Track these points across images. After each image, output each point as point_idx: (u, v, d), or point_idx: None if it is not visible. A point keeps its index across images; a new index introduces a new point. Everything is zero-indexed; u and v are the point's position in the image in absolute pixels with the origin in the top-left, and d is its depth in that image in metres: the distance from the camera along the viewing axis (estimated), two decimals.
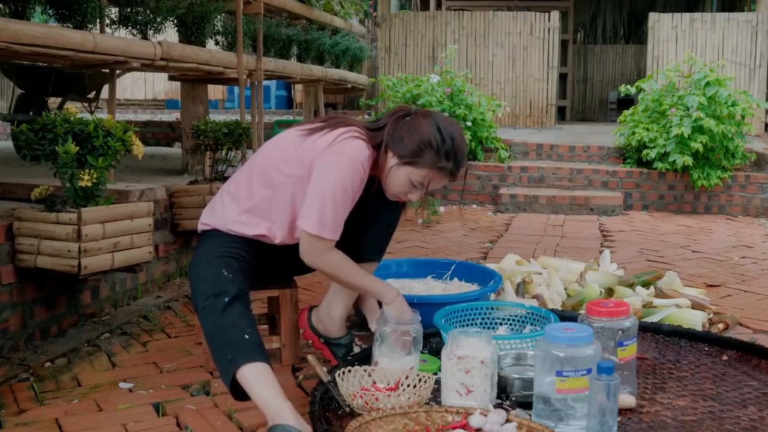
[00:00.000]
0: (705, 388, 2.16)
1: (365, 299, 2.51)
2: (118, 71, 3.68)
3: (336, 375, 2.01)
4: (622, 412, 1.93)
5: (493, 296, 2.94)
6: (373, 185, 2.19)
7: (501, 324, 2.57)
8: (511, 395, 2.06)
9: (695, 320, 2.78)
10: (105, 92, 5.11)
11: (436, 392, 2.06)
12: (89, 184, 2.50)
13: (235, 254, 2.13)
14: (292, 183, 2.14)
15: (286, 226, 2.19)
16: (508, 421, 1.82)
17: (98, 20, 3.26)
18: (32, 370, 2.42)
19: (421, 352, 2.23)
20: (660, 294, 3.11)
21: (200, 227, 2.27)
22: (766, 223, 5.75)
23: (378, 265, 2.43)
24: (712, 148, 5.92)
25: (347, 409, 1.96)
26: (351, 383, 2.01)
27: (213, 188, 3.44)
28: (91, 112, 5.31)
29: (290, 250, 2.27)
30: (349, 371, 2.05)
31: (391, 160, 2.13)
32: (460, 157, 2.14)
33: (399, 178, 2.13)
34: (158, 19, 3.61)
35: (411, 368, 2.10)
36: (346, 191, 2.06)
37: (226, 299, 1.97)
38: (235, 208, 2.20)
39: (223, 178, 3.59)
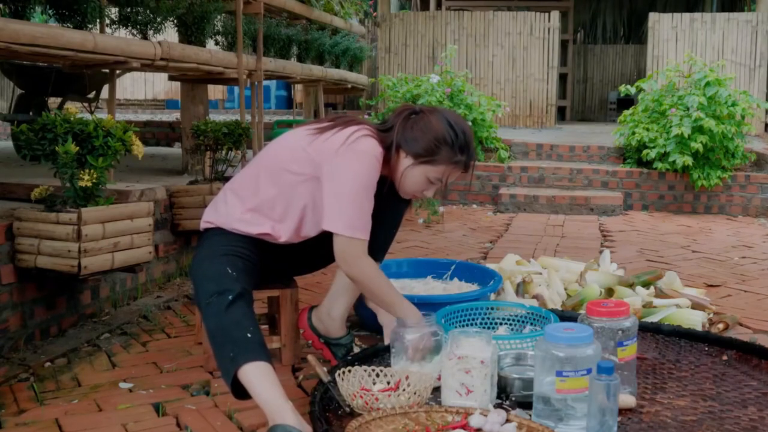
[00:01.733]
0: (705, 388, 2.16)
1: (380, 310, 2.46)
2: (118, 71, 3.68)
3: (336, 375, 2.01)
4: (622, 412, 1.93)
5: (493, 296, 2.94)
6: (384, 186, 2.19)
7: (501, 324, 2.57)
8: (511, 395, 2.06)
9: (695, 320, 2.78)
10: (105, 92, 5.12)
11: (436, 392, 2.06)
12: (89, 184, 2.50)
13: (239, 253, 2.13)
14: (302, 182, 2.14)
15: (293, 226, 2.19)
16: (508, 421, 1.82)
17: (98, 20, 3.26)
18: (32, 370, 2.42)
19: None
20: (660, 294, 3.11)
21: (203, 225, 2.27)
22: (766, 223, 5.75)
23: (379, 266, 2.42)
24: (712, 148, 5.92)
25: (347, 409, 1.96)
26: (351, 383, 2.01)
27: (213, 188, 3.44)
28: (91, 112, 5.31)
29: (294, 249, 2.28)
30: (349, 371, 2.05)
31: (405, 161, 2.15)
32: (472, 149, 2.19)
33: (416, 177, 2.15)
34: (158, 19, 3.61)
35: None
36: (366, 188, 2.08)
37: (230, 297, 1.97)
38: (240, 207, 2.19)
39: (223, 178, 3.60)
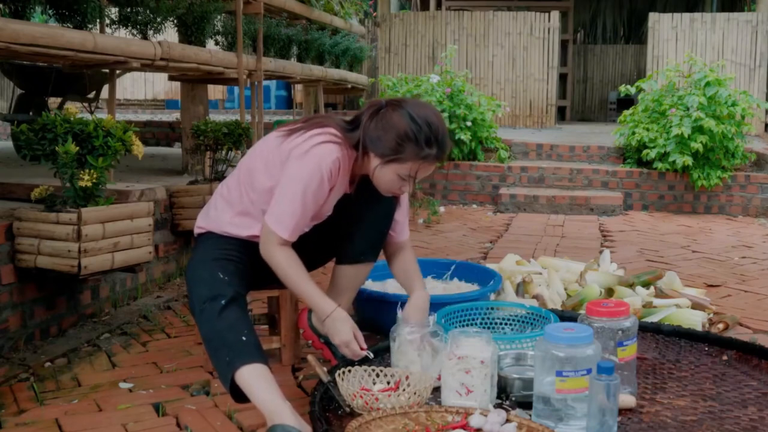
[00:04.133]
0: (705, 388, 2.16)
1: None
2: (118, 71, 3.67)
3: (336, 375, 2.01)
4: (622, 412, 1.93)
5: (493, 296, 2.94)
6: (353, 185, 2.19)
7: (505, 325, 2.57)
8: (511, 395, 2.06)
9: (695, 320, 2.78)
10: (105, 92, 5.11)
11: (436, 392, 2.06)
12: (89, 184, 2.50)
13: (230, 256, 2.13)
14: (275, 186, 2.14)
15: None
16: (508, 421, 1.82)
17: (98, 20, 3.25)
18: (32, 370, 2.42)
19: None
20: (660, 294, 3.11)
21: (196, 230, 2.29)
22: (766, 223, 5.75)
23: (374, 266, 2.40)
24: (712, 148, 5.92)
25: (347, 409, 1.96)
26: (351, 383, 2.01)
27: (213, 188, 3.44)
28: (91, 112, 5.31)
29: None
30: (349, 371, 2.05)
31: (374, 161, 2.11)
32: (441, 139, 2.08)
33: (386, 176, 2.11)
34: (158, 19, 3.61)
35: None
36: (305, 193, 2.06)
37: (223, 302, 1.98)
38: (229, 211, 2.21)
39: (223, 178, 3.59)
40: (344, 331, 2.11)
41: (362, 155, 2.12)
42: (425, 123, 2.05)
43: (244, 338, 1.92)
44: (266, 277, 2.35)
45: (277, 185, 2.10)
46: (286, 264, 2.09)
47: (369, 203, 2.26)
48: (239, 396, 1.90)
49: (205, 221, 2.26)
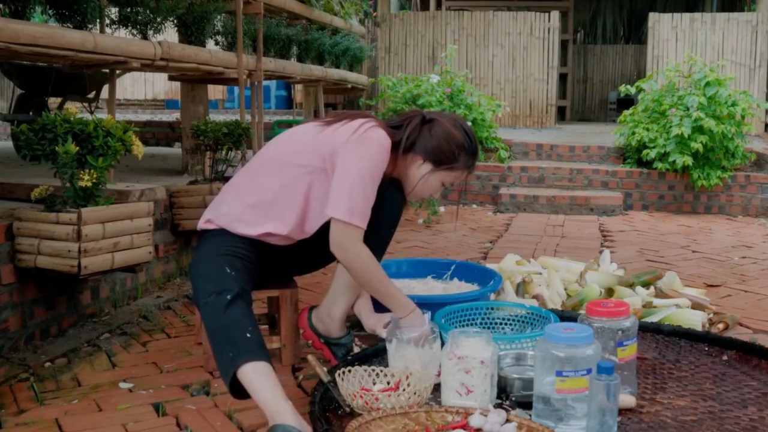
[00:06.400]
0: (705, 388, 2.16)
1: (360, 297, 2.46)
2: (118, 71, 3.67)
3: (336, 375, 2.01)
4: (622, 412, 1.93)
5: (493, 296, 2.94)
6: (382, 184, 2.20)
7: (505, 325, 2.57)
8: (511, 395, 2.06)
9: (695, 320, 2.78)
10: (105, 92, 5.11)
11: (436, 392, 2.06)
12: (89, 184, 2.50)
13: (238, 253, 2.13)
14: (306, 174, 2.15)
15: (295, 220, 2.18)
16: (508, 421, 1.82)
17: (98, 20, 3.25)
18: (32, 370, 2.42)
19: None
20: (660, 294, 3.11)
21: (203, 225, 2.25)
22: (766, 223, 5.75)
23: None
24: (712, 148, 5.92)
25: (347, 409, 1.96)
26: (351, 383, 2.01)
27: (213, 188, 3.45)
28: (91, 112, 5.31)
29: (293, 250, 2.27)
30: (349, 371, 2.05)
31: (423, 167, 2.20)
32: (478, 151, 2.30)
33: (433, 183, 2.23)
34: (158, 19, 3.61)
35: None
36: (373, 177, 2.10)
37: (229, 297, 1.97)
38: (239, 205, 2.19)
39: (223, 178, 3.60)
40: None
41: (402, 156, 2.20)
42: (473, 135, 2.26)
43: (248, 335, 1.91)
44: (271, 278, 2.36)
45: (338, 173, 2.09)
46: (373, 265, 2.14)
47: (378, 205, 2.26)
48: (238, 392, 1.89)
49: (213, 216, 2.23)
